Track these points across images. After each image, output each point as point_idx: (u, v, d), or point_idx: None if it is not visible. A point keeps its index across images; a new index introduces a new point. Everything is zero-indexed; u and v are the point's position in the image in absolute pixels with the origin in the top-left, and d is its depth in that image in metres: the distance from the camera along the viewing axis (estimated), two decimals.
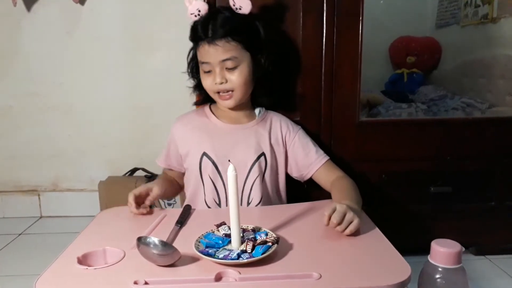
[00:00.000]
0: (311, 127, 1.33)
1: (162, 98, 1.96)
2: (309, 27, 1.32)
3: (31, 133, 2.02)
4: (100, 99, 1.99)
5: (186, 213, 1.04)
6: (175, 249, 0.79)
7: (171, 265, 0.78)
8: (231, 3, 1.14)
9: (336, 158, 1.27)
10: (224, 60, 1.11)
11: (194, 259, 0.80)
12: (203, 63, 1.14)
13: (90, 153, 2.04)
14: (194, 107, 1.54)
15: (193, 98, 1.51)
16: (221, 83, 1.12)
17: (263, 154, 1.19)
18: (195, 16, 1.15)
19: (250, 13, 1.15)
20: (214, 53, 1.11)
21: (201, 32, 1.12)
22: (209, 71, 1.14)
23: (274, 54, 1.20)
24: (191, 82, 1.26)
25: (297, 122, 1.29)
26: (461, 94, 2.06)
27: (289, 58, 1.32)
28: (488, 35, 2.05)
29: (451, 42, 2.43)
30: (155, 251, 0.78)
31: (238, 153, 1.17)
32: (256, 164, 1.17)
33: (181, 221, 0.99)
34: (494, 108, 1.85)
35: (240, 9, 1.14)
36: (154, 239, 0.80)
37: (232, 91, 1.14)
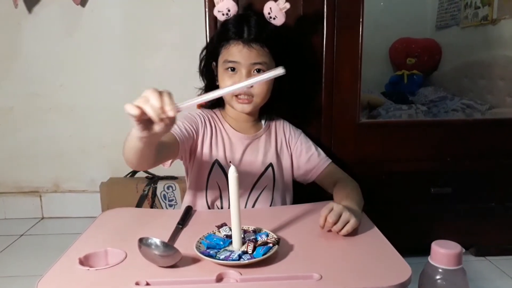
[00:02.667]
0: (312, 129, 1.34)
1: None
2: (310, 29, 1.33)
3: (32, 134, 2.03)
4: (101, 100, 2.00)
5: (187, 214, 1.05)
6: (177, 250, 0.79)
7: (173, 266, 0.79)
8: (266, 11, 1.13)
9: (336, 159, 1.27)
10: (255, 63, 1.09)
11: (195, 260, 0.80)
12: (230, 61, 1.10)
13: (91, 154, 2.05)
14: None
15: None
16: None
17: (270, 165, 1.18)
18: (223, 14, 1.13)
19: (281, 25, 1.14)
20: (248, 55, 1.08)
21: (234, 31, 1.10)
22: (233, 71, 1.11)
23: (295, 68, 1.19)
24: (200, 83, 1.23)
25: (297, 124, 1.29)
26: (461, 95, 2.07)
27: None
28: (488, 37, 2.06)
29: (451, 43, 2.44)
30: (156, 252, 0.79)
31: (246, 164, 1.16)
32: (264, 176, 1.17)
33: (183, 222, 0.99)
34: (494, 110, 1.86)
35: (274, 19, 1.13)
36: (155, 240, 0.80)
37: (253, 96, 1.12)
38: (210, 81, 1.19)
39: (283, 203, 1.22)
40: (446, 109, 1.90)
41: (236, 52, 1.09)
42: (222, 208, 1.17)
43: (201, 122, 1.16)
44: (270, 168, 1.18)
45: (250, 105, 1.13)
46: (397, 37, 2.58)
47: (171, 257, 0.78)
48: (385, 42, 2.61)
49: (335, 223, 0.90)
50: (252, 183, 1.17)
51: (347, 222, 0.90)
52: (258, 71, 1.10)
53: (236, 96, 1.13)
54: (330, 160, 1.23)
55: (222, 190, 1.16)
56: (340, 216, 0.90)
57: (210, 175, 1.16)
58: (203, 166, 1.16)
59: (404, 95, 2.24)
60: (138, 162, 0.90)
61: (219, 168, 1.15)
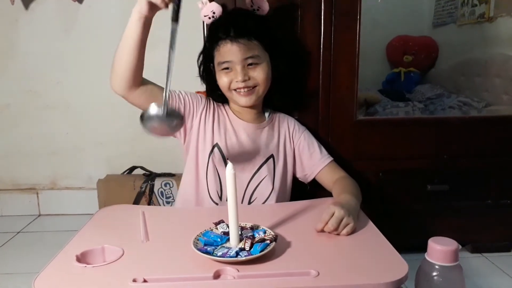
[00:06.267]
0: (309, 126, 1.33)
1: None
2: (307, 26, 1.33)
3: (29, 131, 2.02)
4: (98, 97, 1.98)
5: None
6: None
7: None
8: (248, 4, 1.14)
9: (333, 156, 1.27)
10: (247, 58, 1.11)
11: (193, 257, 0.80)
12: (223, 62, 1.12)
13: (88, 151, 2.04)
14: None
15: None
16: (244, 80, 1.11)
17: (271, 156, 1.19)
18: (209, 18, 1.14)
19: (267, 14, 1.15)
20: (237, 51, 1.10)
21: (222, 31, 1.11)
22: (227, 69, 1.13)
23: (289, 56, 1.20)
24: (197, 79, 1.24)
25: None
26: (457, 93, 2.07)
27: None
28: (484, 34, 2.06)
29: (448, 41, 2.43)
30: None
31: (247, 152, 1.18)
32: (264, 166, 1.18)
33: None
34: (491, 107, 1.86)
35: (258, 9, 1.14)
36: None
37: (255, 86, 1.14)
38: (211, 84, 1.20)
39: (282, 193, 1.22)
40: (443, 106, 1.90)
41: (226, 52, 1.11)
42: (221, 194, 1.17)
43: (204, 105, 1.19)
44: (271, 159, 1.19)
45: (253, 96, 1.15)
46: (394, 35, 2.57)
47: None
48: (382, 40, 2.60)
49: (335, 229, 0.90)
50: (252, 172, 1.18)
51: (347, 225, 0.91)
52: (251, 64, 1.12)
53: (236, 91, 1.14)
54: (331, 158, 1.24)
55: (221, 176, 1.17)
56: (341, 221, 0.91)
57: (209, 159, 1.17)
58: (204, 149, 1.18)
59: (401, 93, 2.24)
60: (131, 61, 1.13)
61: (219, 152, 1.17)
